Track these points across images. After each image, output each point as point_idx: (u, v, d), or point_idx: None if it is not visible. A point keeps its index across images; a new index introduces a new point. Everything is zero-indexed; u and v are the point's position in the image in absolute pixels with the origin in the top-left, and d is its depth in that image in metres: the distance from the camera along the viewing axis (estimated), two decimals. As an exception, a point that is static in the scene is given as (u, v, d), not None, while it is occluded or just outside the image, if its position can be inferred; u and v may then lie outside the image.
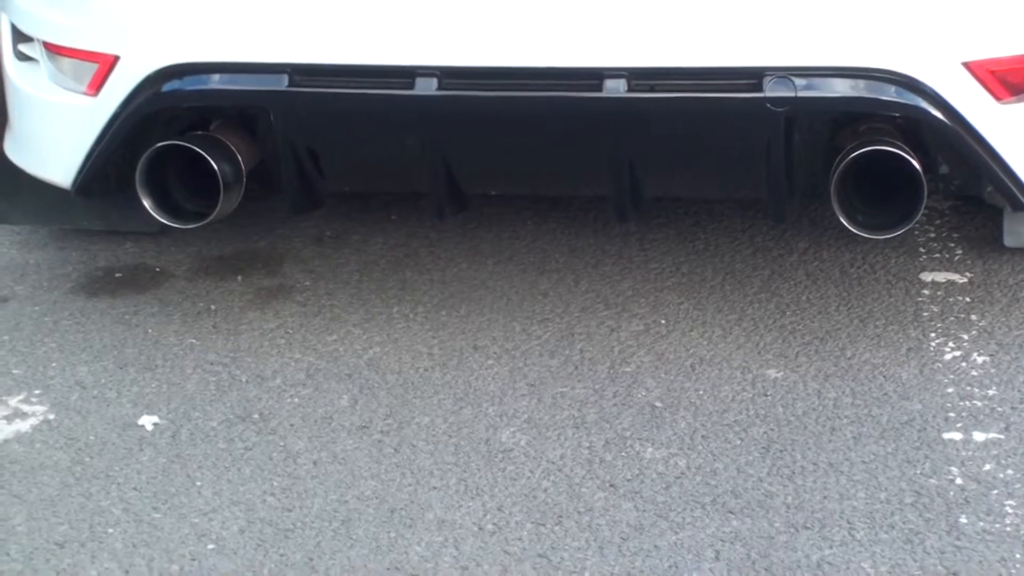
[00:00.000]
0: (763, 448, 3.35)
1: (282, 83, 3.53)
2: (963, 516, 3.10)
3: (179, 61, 3.57)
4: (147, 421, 3.55)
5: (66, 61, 3.75)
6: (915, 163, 3.45)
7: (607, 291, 4.07)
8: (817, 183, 3.74)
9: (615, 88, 3.42)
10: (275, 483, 3.29)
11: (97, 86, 3.67)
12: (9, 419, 3.57)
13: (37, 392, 3.70)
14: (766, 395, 3.55)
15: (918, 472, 3.24)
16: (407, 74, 3.48)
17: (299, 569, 3.01)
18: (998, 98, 3.44)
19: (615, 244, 4.33)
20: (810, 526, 3.08)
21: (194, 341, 3.91)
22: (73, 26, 3.71)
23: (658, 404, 3.53)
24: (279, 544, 3.09)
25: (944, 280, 4.07)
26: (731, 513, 3.13)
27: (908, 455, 3.30)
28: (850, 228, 3.55)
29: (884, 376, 3.61)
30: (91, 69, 3.68)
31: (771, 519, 3.11)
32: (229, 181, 3.69)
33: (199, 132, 3.79)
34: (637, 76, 3.43)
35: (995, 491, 3.17)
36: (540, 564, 3.00)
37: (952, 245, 4.25)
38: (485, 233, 4.43)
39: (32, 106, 3.90)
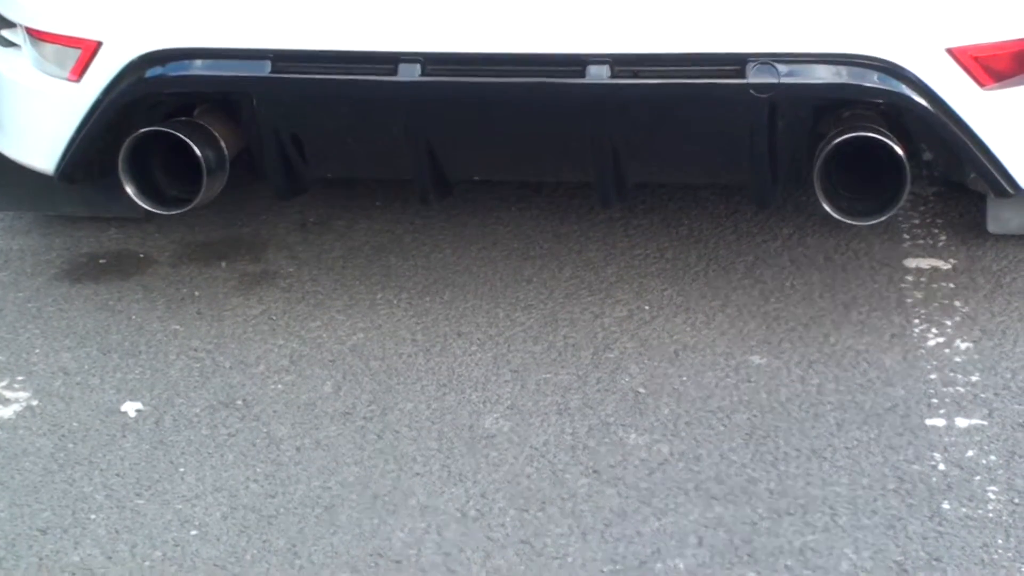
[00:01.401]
0: (746, 434, 3.35)
1: (265, 69, 3.53)
2: (945, 502, 3.10)
3: (162, 47, 3.57)
4: (130, 407, 3.54)
5: (49, 47, 3.74)
6: (898, 149, 3.45)
7: (591, 277, 4.07)
8: (801, 169, 3.74)
9: (598, 74, 3.42)
10: (258, 469, 3.29)
11: (80, 72, 3.66)
12: (-8, 405, 3.58)
13: (20, 378, 3.69)
14: (749, 381, 3.56)
15: (901, 458, 3.25)
16: (390, 60, 3.48)
17: (282, 555, 3.01)
18: (982, 84, 3.44)
19: (599, 230, 4.33)
20: (793, 512, 3.08)
21: (178, 327, 3.90)
22: (56, 11, 3.69)
23: (641, 390, 3.54)
24: (262, 530, 3.09)
25: (928, 266, 4.07)
26: (714, 499, 3.14)
27: (891, 441, 3.31)
28: (834, 214, 3.56)
29: (867, 362, 3.62)
30: (74, 55, 3.67)
31: (754, 505, 3.11)
32: (212, 167, 3.69)
33: (182, 118, 3.78)
34: (620, 62, 3.42)
35: (977, 477, 3.18)
36: (523, 550, 3.01)
37: (936, 231, 4.25)
38: (469, 219, 4.43)
39: (15, 92, 3.89)
